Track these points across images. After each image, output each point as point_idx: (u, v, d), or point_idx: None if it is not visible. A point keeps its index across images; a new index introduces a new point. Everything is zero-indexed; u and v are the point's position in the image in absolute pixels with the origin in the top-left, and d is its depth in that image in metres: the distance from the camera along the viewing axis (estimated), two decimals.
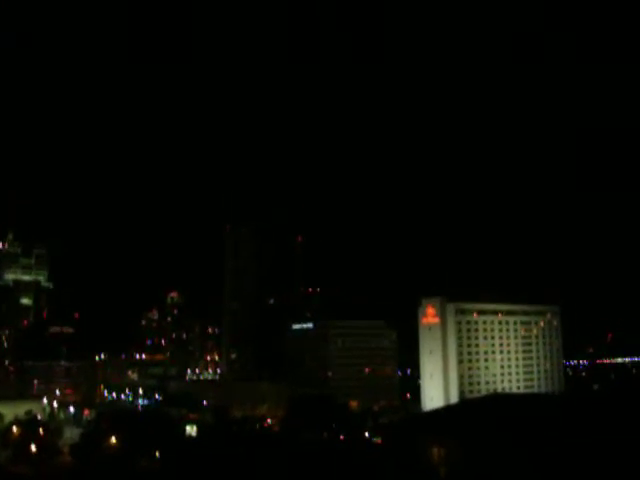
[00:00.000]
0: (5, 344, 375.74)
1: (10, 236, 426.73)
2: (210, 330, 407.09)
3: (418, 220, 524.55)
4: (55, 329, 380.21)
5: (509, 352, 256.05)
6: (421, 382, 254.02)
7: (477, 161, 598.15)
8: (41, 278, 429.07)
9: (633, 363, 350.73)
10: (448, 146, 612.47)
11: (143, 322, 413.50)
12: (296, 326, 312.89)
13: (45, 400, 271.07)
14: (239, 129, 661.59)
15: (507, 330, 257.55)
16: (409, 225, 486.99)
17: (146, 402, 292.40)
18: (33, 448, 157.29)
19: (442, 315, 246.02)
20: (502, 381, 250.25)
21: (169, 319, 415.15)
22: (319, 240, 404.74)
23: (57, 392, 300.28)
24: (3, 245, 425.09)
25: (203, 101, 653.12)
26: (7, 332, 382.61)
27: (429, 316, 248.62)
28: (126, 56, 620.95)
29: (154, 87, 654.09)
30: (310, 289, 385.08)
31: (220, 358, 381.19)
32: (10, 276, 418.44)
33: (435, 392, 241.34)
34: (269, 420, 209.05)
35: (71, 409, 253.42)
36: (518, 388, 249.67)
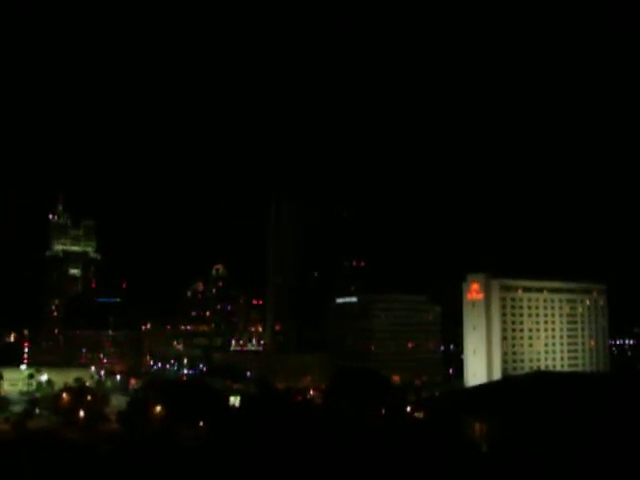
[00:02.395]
0: (55, 313, 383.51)
1: (59, 207, 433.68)
2: (254, 302, 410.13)
3: (465, 195, 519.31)
4: (103, 299, 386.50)
5: (554, 330, 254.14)
6: (464, 358, 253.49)
7: (519, 139, 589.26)
8: (89, 249, 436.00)
9: None
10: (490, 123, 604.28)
11: (188, 294, 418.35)
12: (340, 300, 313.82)
13: (93, 368, 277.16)
14: (288, 101, 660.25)
15: (552, 308, 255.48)
16: (456, 200, 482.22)
17: (191, 372, 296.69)
18: (82, 414, 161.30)
19: (486, 291, 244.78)
20: (546, 359, 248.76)
21: (214, 291, 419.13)
22: (365, 213, 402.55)
23: (104, 361, 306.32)
24: (53, 216, 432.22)
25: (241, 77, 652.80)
26: (57, 301, 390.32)
27: (473, 292, 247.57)
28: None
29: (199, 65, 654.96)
30: (355, 262, 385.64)
31: (264, 330, 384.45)
32: (59, 247, 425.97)
33: (478, 368, 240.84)
34: (312, 392, 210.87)
35: (118, 377, 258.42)
36: (562, 366, 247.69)
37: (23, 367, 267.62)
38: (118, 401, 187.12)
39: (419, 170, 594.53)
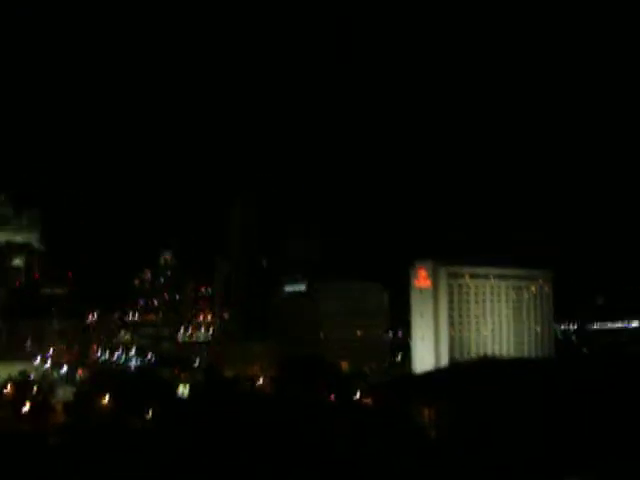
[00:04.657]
0: None
1: (2, 197, 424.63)
2: (203, 291, 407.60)
3: (413, 184, 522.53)
4: (47, 289, 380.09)
5: (500, 316, 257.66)
6: (412, 344, 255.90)
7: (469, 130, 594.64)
8: (33, 239, 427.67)
9: (623, 328, 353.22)
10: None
11: (136, 282, 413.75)
12: (288, 287, 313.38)
13: (38, 360, 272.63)
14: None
15: (499, 294, 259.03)
16: (404, 188, 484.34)
17: (138, 362, 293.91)
18: (27, 407, 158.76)
19: (434, 278, 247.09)
20: (492, 345, 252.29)
21: (162, 280, 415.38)
22: (313, 201, 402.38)
23: (50, 352, 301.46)
24: None
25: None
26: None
27: (421, 279, 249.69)
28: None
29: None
30: (303, 250, 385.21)
31: (212, 319, 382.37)
32: (2, 237, 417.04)
33: (426, 354, 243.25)
34: (260, 380, 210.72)
35: (64, 368, 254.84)
36: (508, 352, 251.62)
37: None
38: (65, 392, 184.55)
39: (367, 156, 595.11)
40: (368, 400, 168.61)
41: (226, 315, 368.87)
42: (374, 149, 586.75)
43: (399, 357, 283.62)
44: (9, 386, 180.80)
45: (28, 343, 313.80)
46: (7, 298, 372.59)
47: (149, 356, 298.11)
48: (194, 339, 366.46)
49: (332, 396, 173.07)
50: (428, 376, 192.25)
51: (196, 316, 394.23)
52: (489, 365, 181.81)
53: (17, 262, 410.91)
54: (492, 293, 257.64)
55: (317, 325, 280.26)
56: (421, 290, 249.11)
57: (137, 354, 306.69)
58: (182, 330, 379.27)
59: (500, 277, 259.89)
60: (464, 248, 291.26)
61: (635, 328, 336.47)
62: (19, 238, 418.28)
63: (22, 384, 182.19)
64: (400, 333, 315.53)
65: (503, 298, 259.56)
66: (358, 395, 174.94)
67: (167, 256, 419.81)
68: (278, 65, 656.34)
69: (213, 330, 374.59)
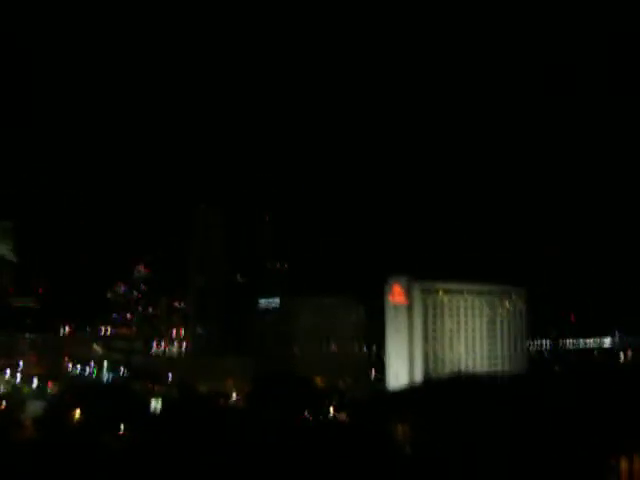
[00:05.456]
0: None
1: None
2: (177, 305, 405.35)
3: (389, 200, 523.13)
4: (19, 302, 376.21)
5: (474, 332, 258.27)
6: (387, 360, 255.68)
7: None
8: (5, 251, 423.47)
9: (594, 344, 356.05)
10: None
11: (109, 296, 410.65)
12: (262, 302, 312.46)
13: (8, 373, 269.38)
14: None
15: (472, 310, 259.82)
16: (380, 204, 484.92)
17: (111, 376, 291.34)
18: None
19: (409, 294, 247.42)
20: (466, 360, 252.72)
21: (136, 293, 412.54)
22: (288, 217, 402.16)
23: (20, 365, 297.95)
24: None
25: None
26: None
27: (396, 295, 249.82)
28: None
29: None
30: (278, 266, 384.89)
31: (186, 333, 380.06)
32: None
33: (400, 370, 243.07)
34: (234, 396, 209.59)
35: (35, 382, 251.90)
36: (482, 367, 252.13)
37: None
38: (35, 407, 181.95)
39: (345, 171, 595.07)
40: (343, 416, 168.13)
41: (200, 330, 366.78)
42: (352, 162, 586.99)
43: (374, 373, 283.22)
44: None
45: None
46: None
47: (122, 370, 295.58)
48: (168, 353, 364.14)
49: (306, 412, 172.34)
50: (402, 392, 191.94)
51: (170, 330, 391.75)
52: (463, 381, 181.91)
53: None
54: (466, 308, 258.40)
55: (292, 340, 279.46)
56: (396, 306, 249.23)
57: (110, 368, 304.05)
58: (155, 344, 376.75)
59: (474, 293, 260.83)
60: (439, 265, 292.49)
61: (607, 346, 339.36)
62: None
63: None
64: (375, 349, 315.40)
65: (477, 313, 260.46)
66: (333, 411, 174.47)
67: (141, 269, 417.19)
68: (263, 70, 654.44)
69: (187, 345, 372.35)
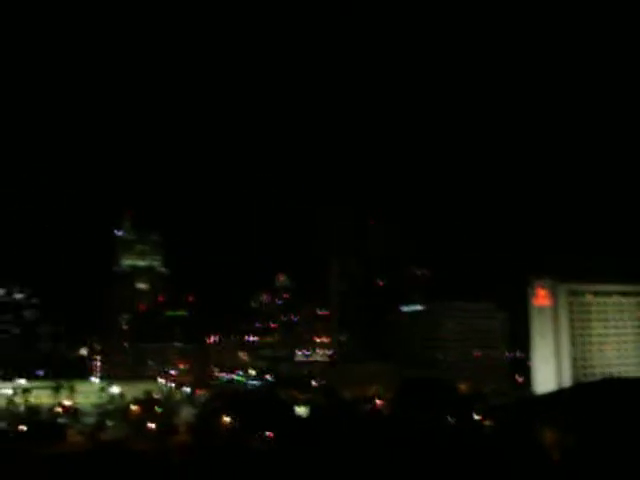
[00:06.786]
0: (124, 327, 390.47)
1: (127, 224, 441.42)
2: (319, 312, 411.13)
3: (529, 198, 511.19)
4: (170, 312, 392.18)
5: (625, 335, 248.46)
6: (532, 365, 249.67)
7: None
8: (156, 263, 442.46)
9: None
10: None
11: (253, 305, 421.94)
12: (405, 308, 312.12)
13: (161, 380, 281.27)
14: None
15: (622, 312, 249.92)
16: (520, 203, 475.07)
17: (257, 383, 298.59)
18: (152, 426, 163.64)
19: (554, 296, 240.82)
20: (617, 365, 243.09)
21: (278, 302, 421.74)
22: (428, 220, 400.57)
23: (172, 373, 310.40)
24: (120, 232, 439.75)
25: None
26: (126, 316, 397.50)
27: (540, 297, 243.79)
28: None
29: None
30: (418, 271, 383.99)
31: (329, 340, 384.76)
32: (127, 262, 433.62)
33: (547, 376, 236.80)
34: (378, 401, 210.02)
35: (187, 389, 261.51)
36: (634, 372, 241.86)
37: (94, 380, 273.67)
38: (187, 412, 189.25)
39: (479, 172, 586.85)
40: (489, 422, 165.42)
41: (343, 336, 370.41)
42: (492, 165, 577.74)
43: (519, 378, 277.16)
44: (134, 406, 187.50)
45: (152, 364, 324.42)
46: (133, 321, 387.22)
47: (268, 377, 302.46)
48: (311, 360, 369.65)
49: (451, 418, 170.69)
50: (551, 397, 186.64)
51: (313, 337, 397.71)
52: (615, 385, 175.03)
53: (142, 286, 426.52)
54: (615, 310, 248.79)
55: (435, 345, 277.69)
56: (540, 309, 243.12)
57: (256, 375, 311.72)
58: (299, 351, 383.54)
59: (624, 294, 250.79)
60: (580, 265, 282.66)
61: None
62: (143, 262, 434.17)
63: (147, 404, 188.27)
64: (519, 353, 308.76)
65: (627, 316, 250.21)
66: (478, 417, 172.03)
67: (282, 278, 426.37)
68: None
69: (330, 351, 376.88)
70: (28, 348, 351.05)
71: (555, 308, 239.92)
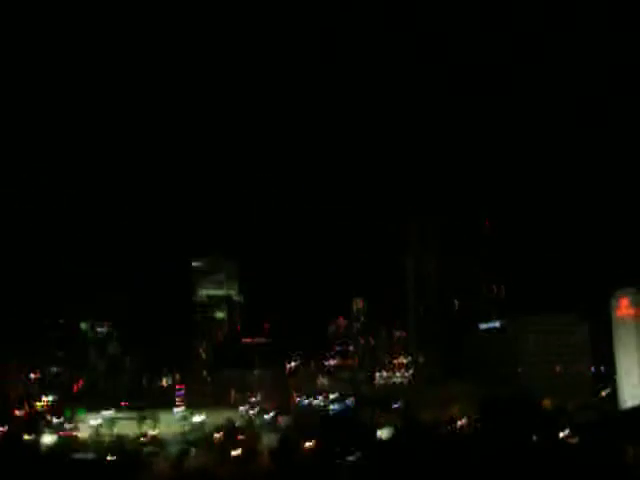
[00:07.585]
0: (203, 355, 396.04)
1: (203, 255, 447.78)
2: (397, 334, 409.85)
3: (611, 206, 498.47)
4: (248, 340, 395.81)
5: None
6: (617, 379, 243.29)
7: None
8: (232, 292, 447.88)
9: None
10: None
11: (331, 329, 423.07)
12: (483, 325, 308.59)
13: (242, 408, 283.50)
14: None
15: None
16: (601, 211, 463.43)
17: (338, 407, 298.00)
18: (235, 453, 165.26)
19: (637, 307, 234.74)
20: None
21: (356, 325, 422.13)
22: (503, 231, 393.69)
23: (252, 400, 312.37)
24: (197, 262, 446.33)
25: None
26: (204, 344, 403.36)
27: (623, 308, 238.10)
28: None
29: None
30: (495, 287, 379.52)
31: (408, 361, 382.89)
32: (204, 292, 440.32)
33: (633, 390, 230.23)
34: (460, 422, 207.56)
35: (268, 416, 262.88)
36: None
37: (176, 409, 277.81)
38: (269, 438, 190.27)
39: (558, 180, 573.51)
40: (574, 439, 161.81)
41: (421, 357, 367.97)
42: (564, 177, 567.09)
43: (604, 393, 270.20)
44: (217, 433, 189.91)
45: (232, 392, 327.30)
46: (212, 349, 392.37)
47: (348, 400, 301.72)
48: (391, 382, 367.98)
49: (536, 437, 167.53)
50: (636, 413, 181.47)
51: (391, 359, 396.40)
52: None
53: (219, 315, 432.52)
54: None
55: (515, 362, 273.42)
56: (624, 321, 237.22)
57: (336, 398, 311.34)
58: (378, 373, 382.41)
59: None
60: None
61: None
62: (220, 292, 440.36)
63: (229, 430, 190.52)
64: (603, 367, 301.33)
65: None
66: (563, 434, 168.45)
67: (359, 302, 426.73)
68: None
69: (409, 372, 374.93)
70: (113, 380, 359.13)
71: (639, 319, 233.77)
